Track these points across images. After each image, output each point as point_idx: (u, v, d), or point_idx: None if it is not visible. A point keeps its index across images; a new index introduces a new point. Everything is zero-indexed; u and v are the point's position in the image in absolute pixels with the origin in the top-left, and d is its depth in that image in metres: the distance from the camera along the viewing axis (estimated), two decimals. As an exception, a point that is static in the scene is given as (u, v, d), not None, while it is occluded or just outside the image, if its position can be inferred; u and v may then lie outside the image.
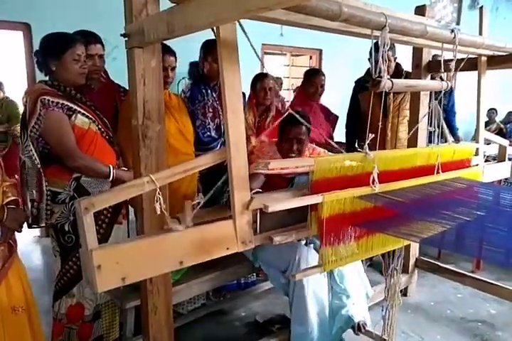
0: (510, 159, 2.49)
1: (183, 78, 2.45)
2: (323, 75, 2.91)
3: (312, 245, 1.97)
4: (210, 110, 2.35)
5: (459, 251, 1.48)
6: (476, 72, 2.19)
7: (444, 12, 6.79)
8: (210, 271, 1.96)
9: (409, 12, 1.93)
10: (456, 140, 3.63)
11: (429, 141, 1.97)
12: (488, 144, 2.56)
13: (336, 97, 4.02)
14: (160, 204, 1.13)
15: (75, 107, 1.73)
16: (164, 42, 1.39)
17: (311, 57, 5.83)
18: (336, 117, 3.09)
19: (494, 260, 1.35)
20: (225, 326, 2.37)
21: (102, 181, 1.79)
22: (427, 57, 2.32)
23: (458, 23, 6.88)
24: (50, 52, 1.71)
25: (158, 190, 1.14)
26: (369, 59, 2.48)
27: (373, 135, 1.43)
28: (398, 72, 2.75)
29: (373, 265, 3.03)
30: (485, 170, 2.11)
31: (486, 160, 2.42)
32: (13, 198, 1.54)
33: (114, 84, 2.29)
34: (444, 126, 2.14)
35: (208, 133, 2.35)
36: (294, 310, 1.88)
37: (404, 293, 2.64)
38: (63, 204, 1.74)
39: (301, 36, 4.45)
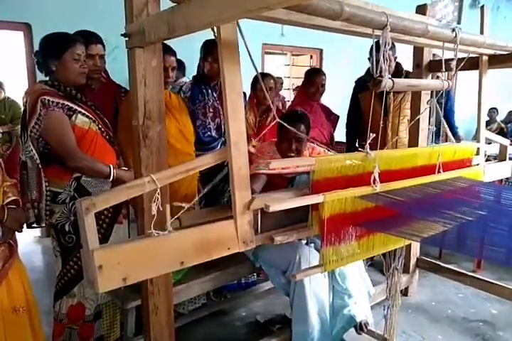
0: (511, 158, 2.48)
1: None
2: (324, 75, 2.91)
3: (313, 245, 1.97)
4: (211, 110, 2.35)
5: (461, 250, 1.48)
6: (476, 72, 2.18)
7: (445, 11, 6.78)
8: (211, 271, 1.95)
9: (410, 11, 1.92)
10: (457, 139, 3.63)
11: (431, 140, 1.97)
12: (489, 144, 2.56)
13: (337, 97, 4.02)
14: (157, 204, 1.13)
15: (75, 107, 1.72)
16: (165, 42, 1.39)
17: (311, 57, 5.83)
18: (337, 117, 3.08)
19: (495, 260, 1.35)
20: (225, 326, 2.37)
21: (103, 181, 1.79)
22: (427, 56, 2.32)
23: (459, 22, 6.87)
24: (50, 52, 1.71)
25: (158, 190, 1.14)
26: (369, 58, 2.47)
27: (374, 134, 1.43)
28: (398, 72, 2.75)
29: (374, 265, 3.03)
30: (486, 169, 2.10)
31: (487, 160, 2.41)
32: (13, 198, 1.54)
33: (114, 84, 2.29)
34: (445, 125, 2.14)
35: (209, 133, 2.35)
36: (295, 310, 1.88)
37: (405, 292, 2.64)
38: (64, 205, 1.74)
39: (302, 36, 4.44)
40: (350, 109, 3.11)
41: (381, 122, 1.59)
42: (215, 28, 1.12)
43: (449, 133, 2.10)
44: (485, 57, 2.13)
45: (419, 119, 2.21)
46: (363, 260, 2.05)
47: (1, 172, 1.54)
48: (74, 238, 1.74)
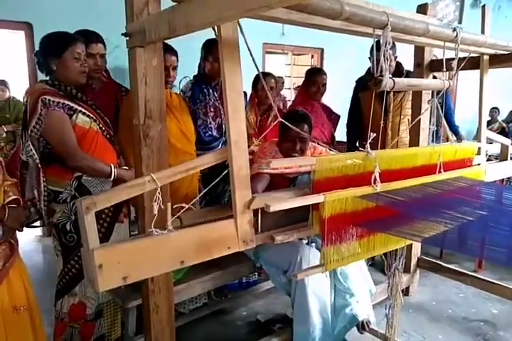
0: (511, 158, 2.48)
1: (185, 77, 2.44)
2: (325, 74, 2.91)
3: (314, 244, 1.97)
4: (212, 109, 2.35)
5: (461, 250, 1.47)
6: (477, 71, 2.18)
7: (446, 10, 6.77)
8: (212, 271, 1.95)
9: (411, 10, 1.92)
10: (459, 138, 3.62)
11: (432, 140, 1.97)
12: (490, 143, 2.56)
13: (338, 96, 4.02)
14: (158, 203, 1.13)
15: (76, 106, 1.73)
16: (165, 41, 1.39)
17: (312, 56, 5.82)
18: (338, 116, 3.08)
19: (497, 260, 1.35)
20: (226, 325, 2.37)
21: (104, 180, 1.80)
22: (428, 56, 2.32)
23: (460, 22, 6.86)
24: (50, 51, 1.72)
25: (159, 190, 1.14)
26: (370, 58, 2.47)
27: (375, 134, 1.43)
28: (399, 71, 2.74)
29: (375, 264, 3.03)
30: (487, 169, 2.10)
31: (488, 160, 2.41)
32: (14, 197, 1.54)
33: (115, 84, 2.29)
34: (446, 124, 2.14)
35: (210, 132, 2.35)
36: (296, 310, 1.88)
37: (406, 292, 2.64)
38: (65, 204, 1.75)
39: (303, 35, 4.44)
40: (350, 109, 3.10)
41: (382, 122, 1.59)
42: (216, 28, 1.12)
43: (449, 133, 2.10)
44: (486, 57, 2.12)
45: (420, 119, 2.21)
46: (364, 260, 2.04)
47: (1, 172, 1.54)
48: (75, 237, 1.75)
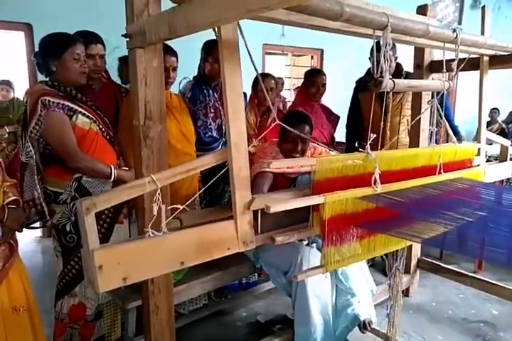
0: (511, 159, 2.48)
1: (185, 78, 2.45)
2: (324, 75, 2.91)
3: (315, 245, 1.97)
4: (212, 110, 2.35)
5: (461, 251, 1.48)
6: (477, 72, 2.18)
7: (445, 11, 6.78)
8: (212, 272, 1.95)
9: (410, 11, 1.92)
10: (459, 139, 3.62)
11: (431, 141, 1.97)
12: (490, 144, 2.56)
13: (338, 97, 4.02)
14: (158, 204, 1.13)
15: (76, 107, 1.73)
16: (165, 42, 1.39)
17: (312, 57, 5.83)
18: (337, 117, 3.08)
19: (496, 260, 1.35)
20: (226, 326, 2.37)
21: (103, 181, 1.80)
22: (428, 57, 2.32)
23: (460, 23, 6.87)
24: (50, 52, 1.72)
25: (159, 191, 1.14)
26: (370, 58, 2.47)
27: (375, 135, 1.43)
28: (398, 72, 2.75)
29: (375, 265, 3.03)
30: (486, 170, 2.10)
31: (488, 160, 2.41)
32: (13, 198, 1.54)
33: (115, 84, 2.29)
34: (446, 125, 2.14)
35: (210, 133, 2.35)
36: (297, 311, 1.88)
37: (406, 293, 2.64)
38: (65, 205, 1.75)
39: (303, 36, 4.44)
40: (350, 110, 3.11)
41: (381, 122, 1.59)
42: (216, 29, 1.12)
43: (451, 133, 2.09)
44: (486, 58, 2.13)
45: (419, 120, 2.21)
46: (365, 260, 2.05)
47: (1, 172, 1.54)
48: (75, 238, 1.75)
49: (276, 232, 1.39)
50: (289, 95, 5.69)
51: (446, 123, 2.08)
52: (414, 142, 2.37)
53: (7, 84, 4.27)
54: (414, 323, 2.37)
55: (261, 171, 1.79)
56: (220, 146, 2.35)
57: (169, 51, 1.94)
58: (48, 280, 2.72)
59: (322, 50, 5.67)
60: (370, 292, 2.06)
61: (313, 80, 2.86)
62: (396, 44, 2.19)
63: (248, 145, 1.25)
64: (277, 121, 1.39)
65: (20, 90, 4.28)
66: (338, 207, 1.38)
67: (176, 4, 1.06)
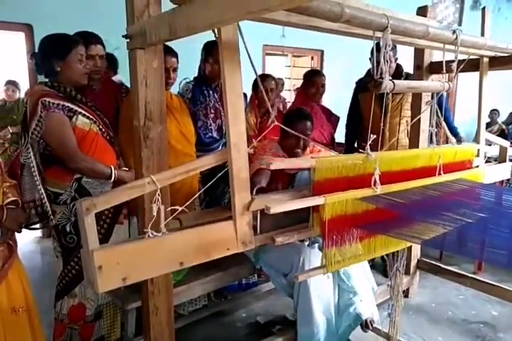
0: (511, 160, 2.48)
1: (185, 79, 2.45)
2: (323, 75, 2.92)
3: (316, 245, 1.97)
4: (212, 111, 2.35)
5: (461, 252, 1.48)
6: (477, 73, 2.18)
7: (445, 13, 6.79)
8: (212, 272, 1.95)
9: (410, 13, 1.92)
10: (459, 140, 3.62)
11: (431, 141, 1.98)
12: (489, 145, 2.56)
13: (338, 98, 4.03)
14: (158, 205, 1.13)
15: (76, 108, 1.73)
16: (166, 43, 1.39)
17: (312, 58, 5.83)
18: (337, 118, 3.08)
19: (496, 262, 1.34)
20: (225, 327, 2.36)
21: (104, 182, 1.80)
22: (428, 58, 2.32)
23: (460, 24, 6.88)
24: (55, 52, 1.71)
25: (159, 191, 1.14)
26: (370, 59, 2.48)
27: (375, 136, 1.43)
28: (398, 73, 2.75)
29: (375, 266, 3.03)
30: (486, 171, 2.10)
31: (488, 161, 2.41)
32: (13, 199, 1.53)
33: (115, 85, 2.29)
34: (445, 126, 2.15)
35: (210, 134, 2.35)
36: (299, 311, 1.88)
37: (405, 294, 2.64)
38: (65, 205, 1.75)
39: (303, 37, 4.45)
40: (350, 110, 3.11)
41: (381, 123, 1.59)
42: (216, 30, 1.12)
43: (449, 134, 2.10)
44: (485, 59, 2.13)
45: (419, 120, 2.21)
46: (365, 260, 2.05)
47: (0, 173, 1.54)
48: (75, 238, 1.75)
49: (275, 233, 1.39)
50: (289, 96, 5.69)
51: (445, 125, 2.08)
52: (413, 143, 2.37)
53: (13, 84, 4.27)
54: (414, 324, 2.37)
55: (259, 168, 1.80)
56: (220, 147, 2.35)
57: (170, 52, 1.94)
58: (47, 280, 2.72)
59: (322, 51, 5.68)
60: (372, 290, 2.06)
61: (313, 81, 2.87)
62: (396, 45, 2.19)
63: (248, 147, 1.25)
64: (276, 122, 1.39)
65: (21, 91, 4.29)
66: (338, 208, 1.38)
67: (176, 5, 1.06)
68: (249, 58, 1.18)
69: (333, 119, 3.04)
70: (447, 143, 2.35)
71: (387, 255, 1.74)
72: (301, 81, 3.10)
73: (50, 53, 1.72)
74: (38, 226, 1.84)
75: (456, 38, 1.53)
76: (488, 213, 1.44)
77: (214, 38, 1.15)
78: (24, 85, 3.89)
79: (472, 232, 1.32)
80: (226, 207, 1.39)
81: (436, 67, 2.29)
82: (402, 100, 2.76)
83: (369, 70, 2.84)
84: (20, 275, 1.57)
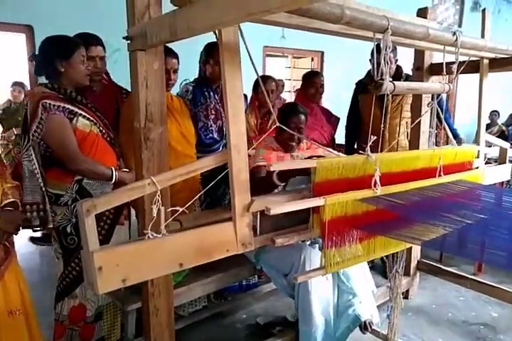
0: (510, 161, 2.48)
1: (185, 80, 2.45)
2: (322, 76, 2.93)
3: (317, 245, 1.97)
4: (213, 112, 2.35)
5: (461, 254, 1.48)
6: (477, 75, 2.18)
7: (446, 14, 6.80)
8: (212, 273, 1.95)
9: (411, 14, 1.93)
10: (459, 142, 3.62)
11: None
12: (489, 147, 2.56)
13: (338, 99, 4.03)
14: (158, 206, 1.13)
15: (76, 110, 1.73)
16: (166, 44, 1.39)
17: (312, 59, 5.84)
18: (337, 119, 3.09)
19: (496, 263, 1.34)
20: (225, 328, 2.36)
21: (104, 183, 1.80)
22: (428, 59, 2.32)
23: (460, 25, 6.89)
24: (59, 53, 1.72)
25: (159, 192, 1.14)
26: (370, 60, 2.48)
27: (375, 137, 1.43)
28: (398, 74, 2.75)
29: (374, 267, 3.02)
30: (485, 172, 2.10)
31: (488, 163, 2.41)
32: (11, 200, 1.51)
33: (115, 86, 2.29)
34: (446, 127, 2.15)
35: (210, 135, 2.36)
36: (300, 310, 1.89)
37: (405, 295, 2.64)
38: (65, 207, 1.75)
39: (303, 38, 4.46)
40: (349, 112, 3.12)
41: (382, 125, 1.59)
42: (217, 31, 1.13)
43: (450, 135, 2.10)
44: (486, 61, 2.13)
45: (420, 122, 2.21)
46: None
47: (1, 173, 1.53)
48: (76, 240, 1.75)
49: (275, 234, 1.39)
50: (289, 97, 5.69)
51: (446, 126, 2.09)
52: (414, 144, 2.37)
53: (20, 85, 4.28)
54: (413, 325, 2.37)
55: (257, 166, 1.82)
56: (220, 148, 2.36)
57: (170, 53, 1.94)
58: (47, 282, 2.72)
59: (322, 52, 5.68)
60: (372, 293, 2.07)
61: (312, 82, 2.88)
62: (396, 46, 2.20)
63: (248, 148, 1.25)
64: (277, 124, 1.40)
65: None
66: (339, 209, 1.38)
67: (176, 7, 1.06)
68: (251, 60, 1.18)
69: (333, 120, 3.05)
70: (447, 144, 2.35)
71: (386, 256, 1.74)
72: (301, 82, 3.10)
73: (54, 54, 1.72)
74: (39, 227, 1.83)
75: (457, 39, 1.54)
76: (488, 214, 1.44)
77: (215, 39, 1.15)
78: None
79: (472, 233, 1.32)
80: (227, 208, 1.39)
81: (436, 69, 2.29)
82: (402, 101, 2.77)
83: (369, 71, 2.85)
84: (18, 277, 1.55)
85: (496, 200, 1.64)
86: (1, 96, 4.55)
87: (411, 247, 2.45)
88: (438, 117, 1.89)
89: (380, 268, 2.96)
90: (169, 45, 1.48)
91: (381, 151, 1.54)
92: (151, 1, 1.26)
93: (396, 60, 2.72)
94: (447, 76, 1.71)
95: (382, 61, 1.28)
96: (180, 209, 1.19)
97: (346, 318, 1.91)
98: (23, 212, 1.63)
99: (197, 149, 2.25)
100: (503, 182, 3.00)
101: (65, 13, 3.55)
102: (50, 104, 1.65)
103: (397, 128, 2.81)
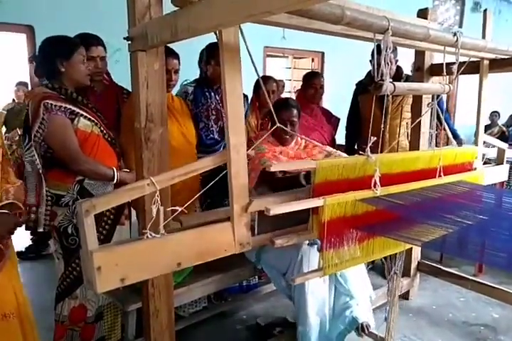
0: (508, 161, 2.49)
1: (186, 80, 2.45)
2: (322, 77, 2.93)
3: (316, 246, 1.97)
4: (214, 113, 2.35)
5: (461, 255, 1.48)
6: (478, 76, 2.18)
7: (446, 15, 6.80)
8: (212, 274, 1.95)
9: (411, 15, 1.93)
10: (459, 142, 3.62)
11: (430, 143, 1.98)
12: (491, 147, 2.56)
13: (338, 100, 4.03)
14: (157, 206, 1.14)
15: (78, 110, 1.73)
16: (167, 44, 1.39)
17: (313, 60, 5.84)
18: (338, 119, 3.09)
19: (497, 264, 1.34)
20: (226, 329, 2.36)
21: (105, 183, 1.80)
22: (429, 60, 2.32)
23: (460, 26, 6.89)
24: (60, 52, 1.72)
25: (158, 193, 1.14)
26: (371, 61, 2.48)
27: (375, 138, 1.43)
28: (398, 75, 2.75)
29: (375, 268, 3.03)
30: (485, 173, 2.10)
31: (487, 163, 2.42)
32: (7, 202, 1.46)
33: (116, 87, 2.30)
34: (446, 128, 2.15)
35: (211, 135, 2.36)
36: (297, 310, 1.89)
37: (406, 296, 2.64)
38: (66, 207, 1.75)
39: (303, 39, 4.46)
40: (350, 112, 3.12)
41: (382, 125, 1.59)
42: (217, 32, 1.13)
43: (450, 136, 2.10)
44: (486, 62, 2.13)
45: (420, 123, 2.21)
46: (364, 264, 2.05)
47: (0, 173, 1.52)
48: (76, 240, 1.75)
49: (273, 234, 1.39)
50: (289, 97, 5.69)
51: (446, 126, 2.09)
52: (414, 145, 2.37)
53: (24, 85, 4.27)
54: (414, 326, 2.37)
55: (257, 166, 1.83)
56: (221, 148, 2.36)
57: (171, 54, 1.94)
58: (46, 283, 2.72)
59: (323, 53, 5.69)
60: (369, 298, 2.06)
61: (311, 82, 2.88)
62: (396, 47, 2.20)
63: (249, 148, 1.25)
64: (278, 124, 1.40)
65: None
66: (338, 210, 1.38)
67: (177, 7, 1.06)
68: (252, 60, 1.18)
69: (333, 121, 3.05)
70: (447, 144, 2.35)
71: (385, 258, 1.74)
72: (301, 83, 3.10)
73: (54, 54, 1.72)
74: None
75: (457, 40, 1.54)
76: (489, 215, 1.44)
77: (216, 40, 1.15)
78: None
79: (472, 234, 1.32)
80: (227, 209, 1.39)
81: (436, 69, 2.29)
82: (402, 102, 2.77)
83: (369, 72, 2.85)
84: (12, 280, 1.52)
85: (496, 201, 1.64)
86: (2, 97, 4.56)
87: (411, 248, 2.45)
88: (438, 118, 1.89)
89: (380, 269, 2.96)
90: (170, 44, 1.48)
91: (381, 152, 1.54)
92: (152, 1, 1.26)
93: (396, 61, 2.72)
94: (447, 77, 1.70)
95: (383, 62, 1.28)
96: (180, 209, 1.19)
97: (343, 320, 1.90)
98: (28, 213, 1.62)
99: (198, 149, 2.25)
100: (503, 183, 3.00)
101: (65, 13, 3.55)
102: (51, 104, 1.65)
103: (398, 129, 2.81)
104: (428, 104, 1.81)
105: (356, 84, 3.09)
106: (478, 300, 2.65)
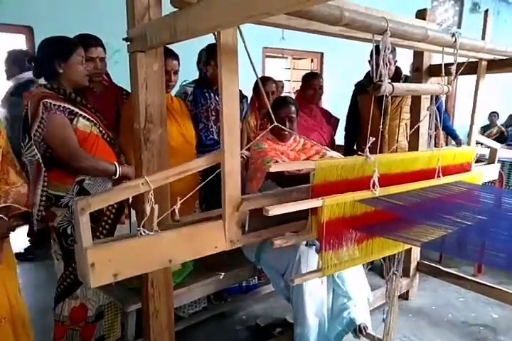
0: (499, 161, 2.49)
1: (185, 81, 2.46)
2: (321, 77, 2.94)
3: (314, 247, 1.97)
4: (213, 113, 2.36)
5: (461, 255, 1.48)
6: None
7: (445, 15, 6.81)
8: (212, 274, 1.95)
9: (410, 16, 1.93)
10: (458, 143, 3.63)
11: (429, 144, 1.99)
12: (490, 148, 2.56)
13: (338, 100, 4.03)
14: (151, 204, 1.15)
15: (77, 110, 1.73)
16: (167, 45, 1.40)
17: (312, 61, 5.85)
18: (337, 120, 3.10)
19: (496, 264, 1.34)
20: (225, 329, 2.36)
21: (105, 183, 1.81)
22: (427, 60, 2.33)
23: (459, 27, 6.90)
24: (58, 53, 1.72)
25: (151, 192, 1.15)
26: (369, 62, 2.49)
27: (374, 138, 1.44)
28: (397, 76, 2.76)
29: (374, 268, 3.02)
30: (484, 173, 2.10)
31: (480, 161, 2.42)
32: (3, 205, 1.45)
33: (116, 87, 2.30)
34: (445, 129, 2.16)
35: (211, 136, 2.36)
36: (295, 311, 1.89)
37: (405, 296, 2.64)
38: (66, 208, 1.75)
39: (303, 39, 4.46)
40: (349, 113, 3.12)
41: (380, 126, 1.60)
42: (216, 33, 1.13)
43: (442, 137, 2.11)
44: (484, 62, 2.14)
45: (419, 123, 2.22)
46: (363, 264, 2.05)
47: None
48: (76, 240, 1.75)
49: (263, 232, 1.38)
50: (289, 98, 5.69)
51: (443, 128, 2.09)
52: (413, 146, 2.37)
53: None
54: (413, 327, 2.37)
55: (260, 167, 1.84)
56: (221, 149, 2.36)
57: (170, 55, 1.94)
58: (44, 283, 2.72)
59: (322, 54, 5.69)
60: (367, 299, 2.06)
61: (310, 83, 2.88)
62: (395, 47, 2.20)
63: (248, 148, 1.26)
64: (275, 123, 1.41)
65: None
66: (337, 211, 1.38)
67: (176, 9, 1.07)
68: (250, 61, 1.18)
69: (332, 121, 3.05)
70: (447, 145, 2.36)
71: (384, 258, 1.74)
72: (301, 84, 3.11)
73: (52, 55, 1.72)
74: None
75: (455, 40, 1.54)
76: (488, 215, 1.44)
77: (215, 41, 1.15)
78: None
79: (472, 235, 1.32)
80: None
81: (435, 70, 2.29)
82: (401, 103, 2.77)
83: (368, 73, 2.85)
84: (6, 284, 1.51)
85: (495, 201, 1.65)
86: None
87: (410, 248, 2.45)
88: (437, 119, 1.89)
89: (379, 270, 2.96)
90: (170, 45, 1.48)
91: (380, 152, 1.54)
92: (151, 2, 1.27)
93: (395, 62, 2.73)
94: (446, 77, 1.71)
95: (381, 62, 1.29)
96: (174, 207, 1.22)
97: (341, 321, 1.90)
98: (30, 214, 1.61)
99: (197, 150, 2.25)
100: (502, 183, 3.00)
101: (64, 14, 3.56)
102: (50, 103, 1.65)
103: (397, 130, 2.81)
104: (427, 108, 1.82)
105: (355, 85, 3.09)
106: (477, 301, 2.65)
